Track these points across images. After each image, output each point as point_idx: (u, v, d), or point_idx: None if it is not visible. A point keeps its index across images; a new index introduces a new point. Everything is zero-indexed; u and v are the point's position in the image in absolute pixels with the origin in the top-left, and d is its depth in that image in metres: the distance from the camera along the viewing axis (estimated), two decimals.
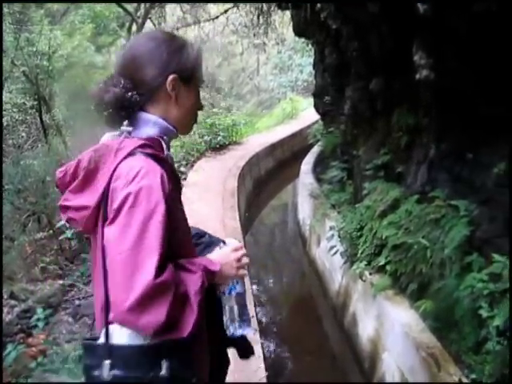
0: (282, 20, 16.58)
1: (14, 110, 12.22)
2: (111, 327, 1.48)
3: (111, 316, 1.43)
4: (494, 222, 3.97)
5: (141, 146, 1.53)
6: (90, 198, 1.54)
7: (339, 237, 5.96)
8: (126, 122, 1.62)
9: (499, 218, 3.93)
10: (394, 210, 5.13)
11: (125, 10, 15.12)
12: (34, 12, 11.80)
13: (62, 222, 6.25)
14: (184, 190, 8.06)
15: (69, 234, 6.31)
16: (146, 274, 1.34)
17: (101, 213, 1.51)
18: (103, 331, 1.51)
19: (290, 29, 10.29)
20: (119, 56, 1.77)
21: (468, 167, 4.41)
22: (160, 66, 1.64)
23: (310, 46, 11.51)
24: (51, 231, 9.00)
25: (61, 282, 8.34)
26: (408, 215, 4.87)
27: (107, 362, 1.44)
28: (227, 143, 12.50)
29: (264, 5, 14.78)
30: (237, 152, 11.91)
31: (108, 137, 1.69)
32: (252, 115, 18.57)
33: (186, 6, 16.78)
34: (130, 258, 1.37)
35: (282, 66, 27.30)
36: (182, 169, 9.59)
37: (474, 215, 4.15)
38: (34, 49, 10.98)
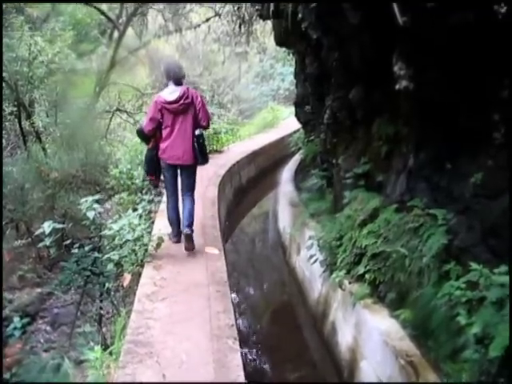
0: (264, 29, 16.67)
1: None
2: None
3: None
4: (472, 231, 4.02)
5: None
6: None
7: (319, 246, 5.98)
8: None
9: (476, 227, 3.99)
10: (374, 219, 5.18)
11: (107, 17, 15.12)
12: (14, 18, 11.70)
13: (41, 230, 6.16)
14: (164, 198, 8.02)
15: (47, 241, 6.23)
16: None
17: None
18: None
19: (272, 38, 10.35)
20: None
21: (446, 177, 4.46)
22: None
23: (291, 55, 11.57)
24: (29, 239, 8.94)
25: (39, 290, 8.28)
26: (387, 224, 4.91)
27: None
28: (208, 151, 12.40)
29: (246, 14, 14.86)
30: (218, 160, 11.91)
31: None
32: (233, 124, 18.57)
33: (168, 14, 16.78)
34: None
35: (264, 75, 27.42)
36: (163, 177, 9.55)
37: (452, 224, 4.21)
38: (14, 55, 10.88)
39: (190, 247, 6.03)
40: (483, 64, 3.76)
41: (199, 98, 5.98)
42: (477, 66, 3.80)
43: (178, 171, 6.18)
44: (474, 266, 3.60)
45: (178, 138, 5.89)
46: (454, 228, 4.17)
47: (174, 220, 6.26)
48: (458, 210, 4.23)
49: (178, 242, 6.30)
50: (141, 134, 6.18)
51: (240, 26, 15.63)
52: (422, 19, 3.66)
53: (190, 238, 6.01)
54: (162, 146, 5.95)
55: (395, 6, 3.71)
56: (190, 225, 6.03)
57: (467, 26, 3.43)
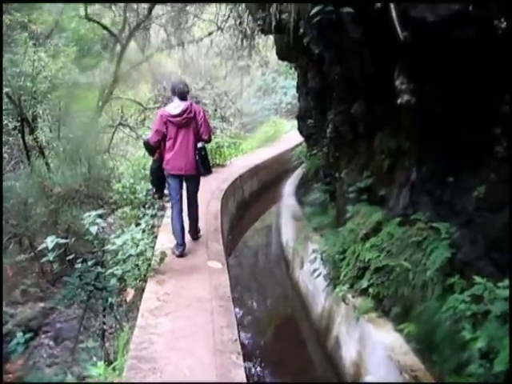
0: (266, 43, 16.76)
1: None
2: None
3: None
4: (475, 244, 4.02)
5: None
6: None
7: (322, 260, 5.97)
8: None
9: (479, 241, 3.98)
10: (377, 232, 5.17)
11: (109, 31, 15.21)
12: (18, 34, 11.82)
13: (44, 245, 6.19)
14: (167, 213, 8.03)
15: (51, 256, 6.25)
16: None
17: None
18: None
19: (274, 52, 10.41)
20: None
21: (449, 190, 4.47)
22: None
23: (293, 69, 11.63)
24: (32, 254, 8.94)
25: (42, 304, 8.27)
26: (390, 238, 4.91)
27: None
28: (211, 165, 12.43)
29: (248, 28, 14.95)
30: (220, 175, 11.94)
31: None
32: (236, 137, 18.66)
33: (171, 29, 16.89)
34: None
35: (266, 89, 27.51)
36: (166, 192, 9.56)
37: (455, 238, 4.20)
38: (18, 70, 10.97)
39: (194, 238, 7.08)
40: (484, 78, 3.78)
41: (202, 113, 6.51)
42: (478, 80, 3.81)
43: (183, 181, 6.66)
44: (477, 279, 3.59)
45: (180, 149, 6.38)
46: (457, 241, 4.17)
47: (178, 229, 6.55)
48: (460, 224, 4.23)
49: (182, 254, 6.53)
50: (147, 145, 6.66)
51: (242, 41, 15.73)
52: (422, 34, 3.69)
53: (194, 237, 7.06)
54: (166, 157, 6.44)
55: (396, 20, 3.74)
56: (195, 231, 7.03)
57: (468, 41, 3.45)
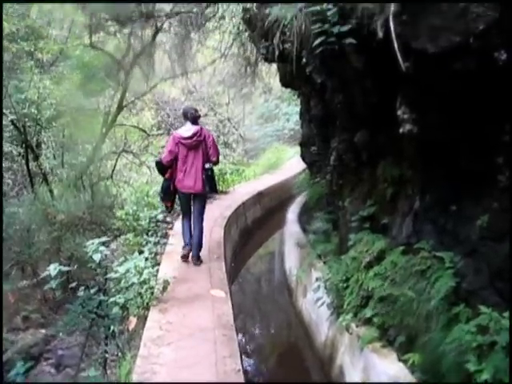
0: (269, 70, 16.88)
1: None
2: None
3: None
4: (479, 273, 4.01)
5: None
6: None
7: (325, 288, 5.94)
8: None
9: (484, 270, 3.97)
10: (380, 261, 5.16)
11: (114, 59, 15.34)
12: (24, 63, 11.97)
13: (47, 273, 6.20)
14: (170, 240, 8.04)
15: (53, 284, 6.26)
16: None
17: None
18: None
19: (277, 78, 10.49)
20: None
21: (452, 219, 4.47)
22: None
23: (296, 95, 11.71)
24: (35, 280, 8.91)
25: (43, 331, 8.21)
26: (394, 266, 4.89)
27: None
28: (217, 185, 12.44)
29: (251, 56, 15.07)
30: (223, 201, 11.96)
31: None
32: (238, 164, 18.74)
33: (174, 56, 17.04)
34: None
35: (269, 115, 27.67)
36: (168, 218, 9.60)
37: (460, 267, 4.19)
38: (23, 96, 11.10)
39: (198, 264, 7.24)
40: (485, 108, 3.81)
41: (211, 137, 7.19)
42: (479, 110, 3.85)
43: (192, 199, 7.25)
44: (483, 309, 3.58)
45: (190, 170, 7.00)
46: (461, 271, 4.16)
47: (187, 237, 7.29)
48: (464, 253, 4.22)
49: (186, 255, 7.29)
50: (159, 165, 7.26)
51: (245, 68, 15.83)
52: (424, 65, 3.74)
53: (197, 261, 7.23)
54: (178, 176, 7.07)
55: (397, 51, 3.79)
56: (198, 253, 7.27)
57: (469, 71, 3.49)
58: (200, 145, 7.02)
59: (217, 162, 7.35)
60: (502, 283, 3.77)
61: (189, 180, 7.00)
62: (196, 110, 7.30)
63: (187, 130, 7.04)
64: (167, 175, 7.17)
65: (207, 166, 7.09)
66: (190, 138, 6.97)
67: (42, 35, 12.87)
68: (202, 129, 7.13)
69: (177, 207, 8.47)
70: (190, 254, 7.29)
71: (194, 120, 7.13)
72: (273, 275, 10.85)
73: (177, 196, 7.36)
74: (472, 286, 4.02)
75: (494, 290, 3.83)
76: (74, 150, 16.38)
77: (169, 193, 7.26)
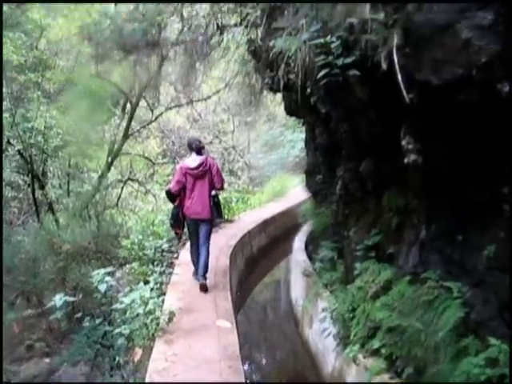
0: (274, 99, 16.99)
1: (7, 187, 12.32)
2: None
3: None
4: (488, 304, 3.98)
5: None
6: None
7: (332, 318, 5.90)
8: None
9: (492, 301, 3.94)
10: (387, 291, 5.13)
11: (119, 89, 15.50)
12: (31, 93, 12.11)
13: (52, 303, 6.21)
14: (176, 270, 8.03)
15: (59, 314, 6.25)
16: None
17: None
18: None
19: (282, 106, 10.54)
20: None
21: (459, 249, 4.45)
22: None
23: (301, 123, 11.75)
24: (40, 310, 8.88)
25: (47, 360, 8.13)
26: (401, 297, 4.86)
27: None
28: (219, 221, 12.50)
29: (256, 85, 15.18)
30: (229, 230, 11.96)
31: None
32: (244, 192, 18.80)
33: (179, 87, 17.21)
34: None
35: (273, 143, 27.76)
36: (174, 248, 9.58)
37: (468, 297, 4.16)
38: (30, 125, 11.22)
39: (204, 291, 7.36)
40: (489, 139, 3.83)
41: (215, 166, 7.54)
42: (483, 140, 3.86)
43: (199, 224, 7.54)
44: (492, 341, 3.54)
45: (198, 197, 7.38)
46: (469, 301, 4.13)
47: (196, 261, 7.61)
48: (472, 283, 4.20)
49: (204, 285, 7.40)
50: (169, 193, 7.61)
51: (250, 97, 15.93)
52: (427, 96, 3.77)
53: (203, 287, 7.37)
54: (186, 203, 7.45)
55: (401, 83, 3.82)
56: (204, 274, 7.43)
57: (472, 103, 3.51)
58: (206, 174, 7.40)
59: (222, 189, 7.80)
60: (510, 314, 3.74)
61: (196, 207, 7.38)
62: (200, 142, 7.67)
63: (193, 160, 7.42)
64: (176, 203, 7.55)
65: (213, 193, 7.52)
66: (196, 168, 7.35)
67: (50, 66, 13.03)
68: (207, 158, 7.50)
69: (185, 236, 8.90)
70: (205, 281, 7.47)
71: (199, 151, 7.49)
72: (279, 304, 10.79)
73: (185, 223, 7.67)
74: (481, 317, 3.98)
75: (503, 321, 3.80)
76: (80, 179, 16.50)
77: (178, 220, 7.61)
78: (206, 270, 7.46)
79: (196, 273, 7.67)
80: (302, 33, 4.99)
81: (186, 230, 7.89)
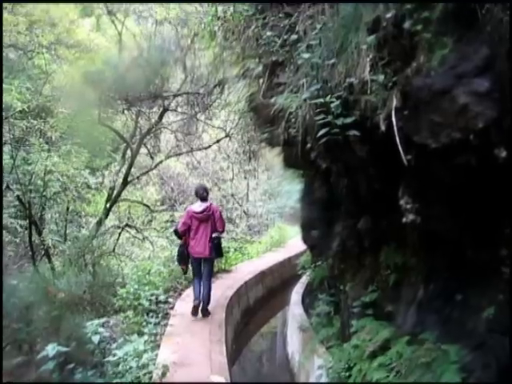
0: (272, 150, 17.10)
1: (4, 231, 12.26)
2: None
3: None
4: (488, 369, 3.91)
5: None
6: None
7: (328, 376, 5.80)
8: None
9: (492, 365, 3.88)
10: (385, 351, 5.04)
11: (120, 136, 15.65)
12: (33, 138, 12.18)
13: (45, 353, 6.09)
14: (171, 321, 7.93)
15: (51, 365, 6.14)
16: None
17: None
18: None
19: (280, 158, 10.58)
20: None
21: (458, 309, 4.42)
22: None
23: (297, 174, 11.76)
24: (31, 359, 8.68)
25: None
26: (399, 357, 4.77)
27: None
28: (216, 271, 12.40)
29: (255, 136, 15.32)
30: (226, 281, 11.86)
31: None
32: (242, 240, 18.78)
33: (180, 135, 17.38)
34: None
35: (272, 192, 27.86)
36: (170, 300, 9.50)
37: (467, 361, 4.09)
38: (30, 168, 11.27)
39: (207, 316, 8.65)
40: (488, 201, 3.85)
41: (218, 212, 8.81)
42: (482, 202, 3.88)
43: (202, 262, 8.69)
44: None
45: (201, 238, 8.49)
46: (468, 365, 4.06)
47: (197, 293, 8.63)
48: (472, 346, 4.14)
49: (196, 308, 8.55)
50: (177, 232, 8.86)
51: (249, 147, 16.05)
52: (425, 158, 3.81)
53: (205, 313, 8.63)
54: (190, 243, 8.57)
55: (399, 145, 3.87)
56: (206, 306, 8.63)
57: (470, 167, 3.55)
58: (209, 218, 8.57)
59: (223, 231, 8.99)
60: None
61: (199, 247, 8.49)
62: (205, 190, 9.00)
63: (199, 206, 8.68)
64: (183, 241, 8.70)
65: (214, 235, 8.57)
66: (201, 212, 8.58)
67: (53, 112, 13.18)
68: (211, 204, 8.76)
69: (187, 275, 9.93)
70: (199, 308, 8.56)
71: (203, 198, 8.73)
72: (274, 357, 10.62)
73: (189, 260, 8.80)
74: (480, 383, 3.91)
75: None
76: (78, 223, 16.45)
77: (183, 257, 8.76)
78: (207, 303, 8.63)
79: (194, 299, 8.62)
80: (303, 91, 5.06)
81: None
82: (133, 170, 16.30)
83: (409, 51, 4.00)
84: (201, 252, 8.51)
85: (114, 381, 5.63)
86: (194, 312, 8.53)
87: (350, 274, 6.66)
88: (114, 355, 5.81)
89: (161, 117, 15.65)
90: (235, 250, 15.07)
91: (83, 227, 16.27)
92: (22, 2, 13.40)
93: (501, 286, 3.96)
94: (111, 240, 15.29)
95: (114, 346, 6.44)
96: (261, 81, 7.22)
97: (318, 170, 7.04)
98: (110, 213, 15.98)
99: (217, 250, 8.66)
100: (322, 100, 4.59)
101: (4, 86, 10.39)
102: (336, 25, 4.96)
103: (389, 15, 4.08)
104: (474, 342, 4.13)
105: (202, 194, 8.77)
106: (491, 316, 3.96)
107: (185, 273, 9.49)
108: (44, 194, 12.02)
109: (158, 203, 20.53)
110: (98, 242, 12.02)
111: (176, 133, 17.16)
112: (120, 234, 16.30)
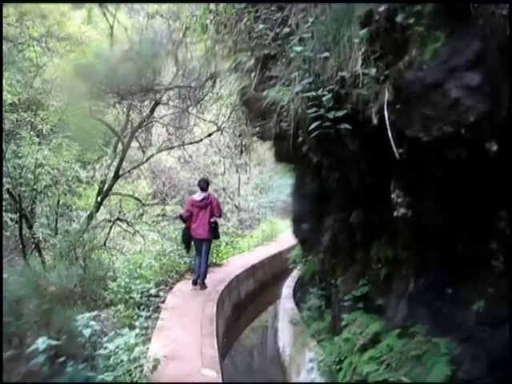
0: (264, 144, 17.05)
1: None
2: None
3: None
4: (477, 361, 3.93)
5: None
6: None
7: (319, 369, 5.81)
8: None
9: (482, 358, 3.90)
10: (375, 344, 5.06)
11: (112, 129, 15.56)
12: (23, 131, 12.09)
13: (34, 346, 6.06)
14: (162, 315, 7.91)
15: (41, 358, 6.10)
16: None
17: None
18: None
19: (272, 152, 10.56)
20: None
21: (448, 303, 4.44)
22: None
23: (289, 168, 11.74)
24: (21, 353, 8.65)
25: None
26: (389, 350, 4.79)
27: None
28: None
29: (246, 130, 15.28)
30: (217, 275, 11.82)
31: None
32: (233, 234, 18.76)
33: (172, 129, 17.30)
34: None
35: (263, 187, 27.86)
36: (161, 293, 9.47)
37: (456, 354, 4.11)
38: (20, 161, 11.18)
39: (203, 289, 10.22)
40: (479, 194, 3.86)
41: (215, 201, 10.45)
42: (473, 195, 3.89)
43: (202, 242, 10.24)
44: None
45: (201, 222, 10.09)
46: (458, 358, 4.08)
47: (198, 269, 10.37)
48: (461, 339, 4.16)
49: (196, 281, 10.33)
50: (182, 217, 10.52)
51: (241, 141, 16.00)
52: (417, 152, 3.82)
53: (202, 286, 10.24)
54: (192, 226, 10.17)
55: (391, 139, 3.87)
56: (203, 277, 10.31)
57: (461, 160, 3.56)
58: (207, 205, 10.17)
59: (220, 216, 10.72)
60: (501, 373, 3.70)
61: (200, 229, 10.09)
62: (206, 182, 10.59)
63: (199, 195, 10.28)
64: (186, 225, 10.31)
65: (212, 219, 10.16)
66: (201, 201, 10.17)
67: (43, 105, 13.10)
68: (209, 194, 10.39)
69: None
70: (198, 280, 10.22)
71: (203, 189, 10.32)
72: (266, 351, 10.64)
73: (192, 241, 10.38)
74: (469, 375, 3.93)
75: (494, 380, 3.75)
76: (69, 216, 16.36)
77: (186, 238, 10.37)
78: (205, 277, 10.31)
79: (193, 275, 10.65)
80: (295, 85, 5.04)
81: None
82: (124, 163, 16.21)
83: (401, 45, 4.01)
84: (201, 234, 10.09)
85: (105, 374, 5.59)
86: (194, 283, 10.28)
87: (341, 268, 6.66)
88: (105, 348, 5.78)
89: (152, 110, 15.57)
90: (226, 244, 15.04)
91: (74, 221, 16.18)
92: (21, 2, 13.28)
93: (491, 280, 3.98)
94: (102, 234, 15.22)
95: (105, 339, 6.39)
96: (253, 74, 7.20)
97: (310, 163, 7.02)
98: (101, 206, 15.91)
99: (214, 232, 10.27)
100: (313, 93, 4.58)
101: None
102: (328, 18, 4.95)
103: (381, 9, 4.08)
104: (463, 335, 4.16)
105: (203, 186, 10.34)
106: (481, 309, 3.99)
107: (188, 251, 11.03)
108: (35, 187, 11.94)
109: (150, 197, 20.48)
110: (89, 235, 11.97)
111: (167, 126, 17.07)
112: (111, 227, 16.22)
